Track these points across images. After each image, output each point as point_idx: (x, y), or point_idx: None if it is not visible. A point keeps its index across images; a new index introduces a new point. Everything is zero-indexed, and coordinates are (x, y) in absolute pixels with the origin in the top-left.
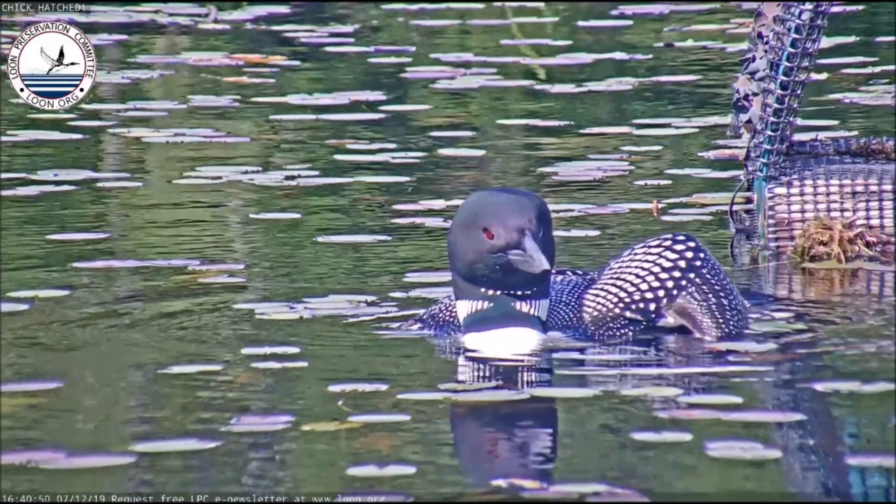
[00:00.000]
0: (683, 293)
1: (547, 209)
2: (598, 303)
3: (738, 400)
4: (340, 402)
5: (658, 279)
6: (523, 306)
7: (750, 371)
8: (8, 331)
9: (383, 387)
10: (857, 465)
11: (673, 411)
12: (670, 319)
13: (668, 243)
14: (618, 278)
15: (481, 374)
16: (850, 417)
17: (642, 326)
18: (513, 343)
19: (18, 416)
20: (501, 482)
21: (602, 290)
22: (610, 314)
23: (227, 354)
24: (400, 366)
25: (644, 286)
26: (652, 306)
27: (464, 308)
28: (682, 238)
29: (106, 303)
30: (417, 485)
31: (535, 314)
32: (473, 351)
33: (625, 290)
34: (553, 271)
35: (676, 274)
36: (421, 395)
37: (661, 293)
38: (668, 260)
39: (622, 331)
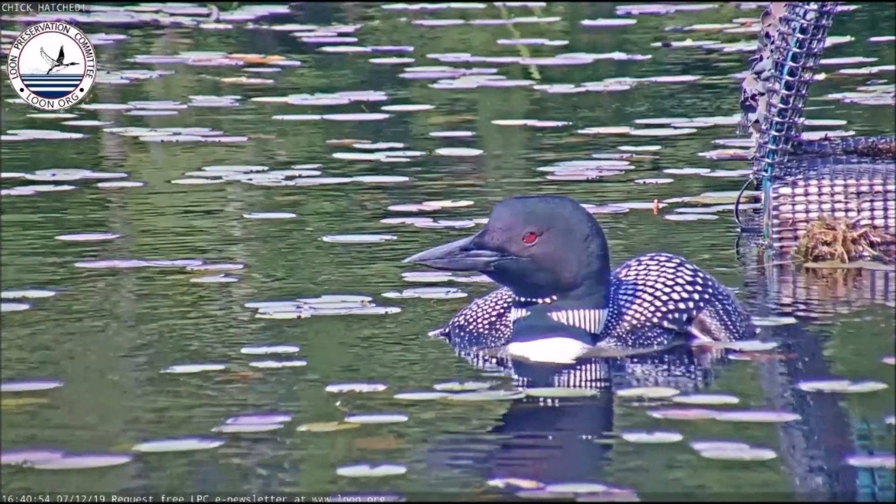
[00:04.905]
0: (706, 305)
1: (559, 216)
2: (636, 311)
3: (734, 400)
4: (338, 403)
5: (686, 290)
6: (566, 317)
7: (747, 371)
8: (8, 331)
9: (381, 387)
10: (854, 466)
11: (668, 411)
12: (693, 329)
13: (677, 261)
14: (646, 286)
15: (479, 374)
16: (846, 417)
17: (674, 336)
18: (554, 354)
19: (18, 416)
20: (498, 482)
21: (635, 298)
22: (648, 323)
23: (226, 354)
24: (398, 366)
25: (676, 296)
26: (685, 317)
27: (512, 315)
28: (683, 259)
29: (105, 303)
30: (414, 485)
31: (580, 325)
32: (517, 359)
33: (660, 300)
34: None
35: (699, 287)
36: (418, 395)
37: (690, 304)
38: (687, 274)
39: (658, 339)
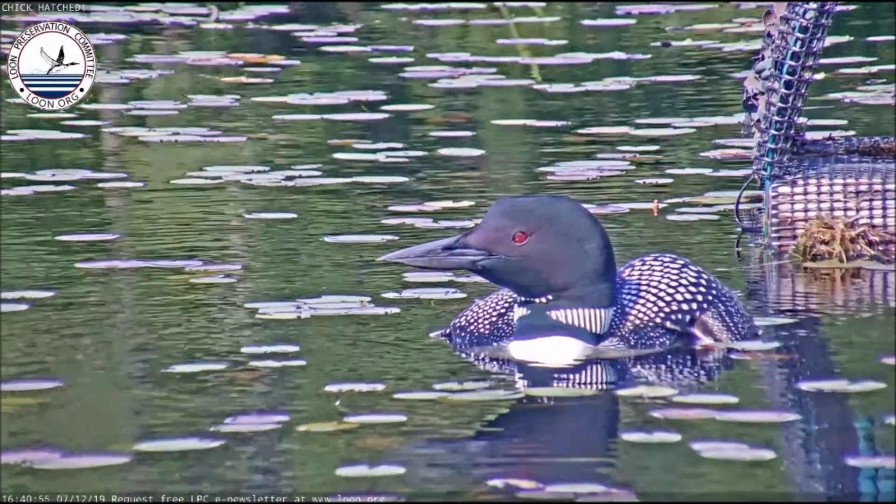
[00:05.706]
0: (709, 306)
1: (553, 215)
2: (639, 311)
3: (734, 400)
4: (338, 403)
5: (689, 292)
6: (567, 316)
7: (747, 371)
8: (8, 331)
9: (381, 387)
10: (854, 466)
11: (668, 411)
12: (696, 331)
13: (681, 262)
14: (649, 286)
15: (479, 374)
16: (846, 417)
17: (676, 337)
18: (555, 353)
19: (18, 416)
20: (497, 482)
21: (638, 298)
22: (651, 323)
23: (226, 354)
24: (397, 366)
25: (679, 297)
26: (688, 318)
27: (515, 313)
28: (687, 260)
29: (105, 303)
30: (413, 485)
31: (582, 324)
32: (517, 359)
33: (663, 300)
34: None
35: (702, 288)
36: (417, 394)
37: (694, 305)
38: (691, 275)
39: (660, 340)
